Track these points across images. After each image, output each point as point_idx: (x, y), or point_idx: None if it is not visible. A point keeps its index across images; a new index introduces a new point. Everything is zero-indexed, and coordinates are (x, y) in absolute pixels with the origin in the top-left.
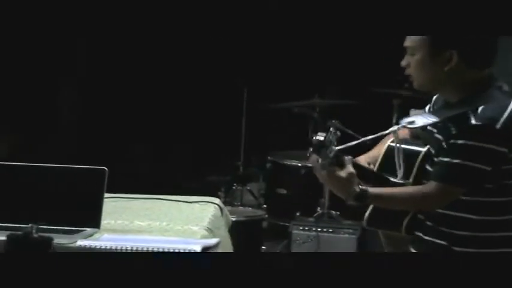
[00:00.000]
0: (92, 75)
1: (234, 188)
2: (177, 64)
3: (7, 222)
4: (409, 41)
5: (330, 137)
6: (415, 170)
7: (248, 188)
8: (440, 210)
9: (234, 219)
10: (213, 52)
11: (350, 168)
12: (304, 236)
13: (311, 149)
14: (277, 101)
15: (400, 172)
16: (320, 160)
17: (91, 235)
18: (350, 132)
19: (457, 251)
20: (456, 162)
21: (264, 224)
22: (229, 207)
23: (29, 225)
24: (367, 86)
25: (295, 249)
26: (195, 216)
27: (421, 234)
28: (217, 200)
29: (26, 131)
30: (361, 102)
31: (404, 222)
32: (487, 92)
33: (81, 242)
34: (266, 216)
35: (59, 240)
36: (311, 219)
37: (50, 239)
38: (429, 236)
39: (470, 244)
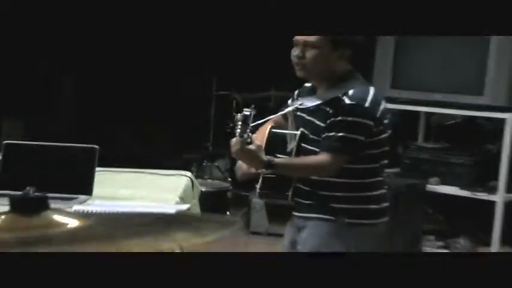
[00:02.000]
0: (86, 66)
1: (204, 164)
2: (160, 58)
3: (14, 191)
4: (312, 36)
5: (250, 116)
6: (294, 148)
7: (216, 164)
8: (316, 178)
9: (203, 189)
10: (189, 46)
11: (258, 142)
12: (260, 204)
13: (236, 123)
14: (241, 91)
15: (289, 146)
16: (240, 135)
17: (85, 201)
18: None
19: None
20: (340, 135)
21: (229, 194)
22: (200, 180)
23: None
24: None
25: (253, 215)
26: (170, 187)
27: (301, 200)
28: (189, 174)
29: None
30: None
31: (290, 192)
32: (350, 81)
33: (76, 207)
34: (230, 187)
35: (57, 205)
36: None
37: (46, 197)
38: (308, 200)
39: (343, 202)
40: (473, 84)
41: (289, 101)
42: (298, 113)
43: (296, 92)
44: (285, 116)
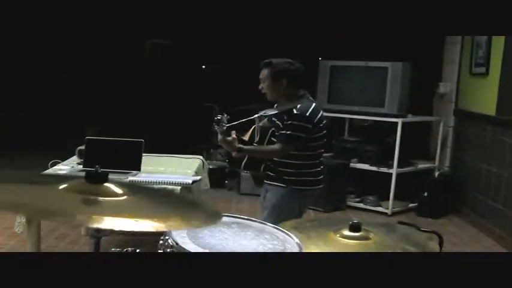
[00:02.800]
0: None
1: (211, 151)
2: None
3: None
4: (261, 74)
5: (223, 119)
6: (266, 139)
7: (218, 151)
8: (277, 159)
9: (211, 167)
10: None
11: (234, 135)
12: (247, 176)
13: (214, 123)
14: (232, 104)
15: (256, 138)
16: (218, 130)
17: (136, 174)
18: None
19: None
20: (289, 133)
21: (227, 170)
22: (208, 161)
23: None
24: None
25: (243, 182)
26: (188, 165)
27: (269, 173)
28: (201, 157)
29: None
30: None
31: (262, 167)
32: (301, 99)
33: (131, 178)
34: (227, 165)
35: (117, 177)
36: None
37: (106, 173)
38: (272, 173)
39: (291, 175)
40: (377, 100)
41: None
42: (273, 118)
43: (275, 105)
44: (260, 119)
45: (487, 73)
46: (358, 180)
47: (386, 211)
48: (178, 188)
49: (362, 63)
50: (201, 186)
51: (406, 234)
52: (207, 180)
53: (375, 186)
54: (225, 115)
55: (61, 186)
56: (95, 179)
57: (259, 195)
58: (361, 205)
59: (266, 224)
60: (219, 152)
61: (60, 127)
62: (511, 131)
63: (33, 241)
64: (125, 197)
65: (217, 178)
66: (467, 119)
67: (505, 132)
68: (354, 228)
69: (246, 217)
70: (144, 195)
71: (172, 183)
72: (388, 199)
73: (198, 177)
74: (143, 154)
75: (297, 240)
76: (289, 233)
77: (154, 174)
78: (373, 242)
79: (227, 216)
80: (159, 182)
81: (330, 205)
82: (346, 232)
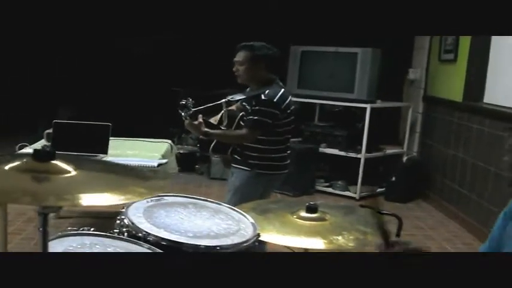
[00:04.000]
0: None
1: (183, 136)
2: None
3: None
4: (238, 57)
5: (188, 103)
6: (235, 124)
7: (190, 136)
8: (245, 144)
9: (182, 152)
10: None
11: (200, 120)
12: (217, 160)
13: (179, 108)
14: (204, 88)
15: (225, 123)
16: (183, 115)
17: (103, 158)
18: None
19: None
20: (256, 118)
21: (198, 154)
22: (179, 146)
23: (44, 145)
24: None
25: (213, 167)
26: (155, 149)
27: (236, 156)
28: (169, 141)
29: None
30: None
31: (229, 150)
32: (271, 85)
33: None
34: (198, 150)
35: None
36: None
37: (53, 151)
38: (238, 157)
39: (256, 159)
40: (347, 86)
41: (230, 96)
42: (243, 103)
43: (248, 89)
44: (229, 104)
45: (455, 60)
46: (327, 165)
47: (354, 195)
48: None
49: (332, 49)
50: (169, 170)
51: (365, 216)
52: (175, 164)
53: (344, 171)
54: (190, 99)
55: (8, 166)
56: (42, 156)
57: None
58: (330, 189)
59: (222, 205)
60: (190, 136)
61: (33, 110)
62: (477, 117)
63: (0, 225)
64: (73, 173)
65: (188, 162)
66: (436, 105)
67: (471, 118)
68: (311, 209)
69: (202, 198)
70: (93, 170)
71: (137, 166)
72: (357, 184)
73: (164, 161)
74: (113, 138)
75: (251, 220)
76: (244, 213)
77: (121, 157)
78: (329, 223)
79: (184, 197)
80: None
81: (298, 189)
82: (303, 213)
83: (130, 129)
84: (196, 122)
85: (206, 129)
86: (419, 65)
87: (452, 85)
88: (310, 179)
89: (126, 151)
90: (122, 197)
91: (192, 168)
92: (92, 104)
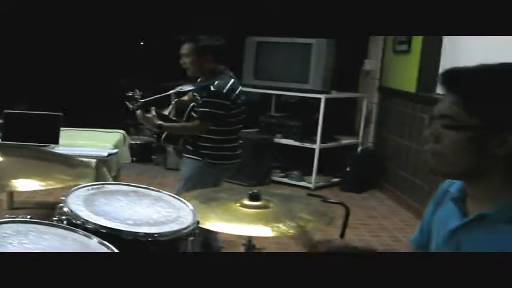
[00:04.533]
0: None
1: (139, 126)
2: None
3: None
4: (183, 49)
5: (135, 95)
6: (186, 115)
7: (146, 126)
8: (197, 134)
9: (138, 142)
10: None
11: (153, 112)
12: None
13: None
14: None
15: (173, 114)
16: (131, 107)
17: (53, 148)
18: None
19: None
20: (207, 110)
21: (154, 145)
22: (136, 136)
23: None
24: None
25: (169, 157)
26: (107, 139)
27: (188, 147)
28: (122, 131)
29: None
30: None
31: (181, 141)
32: (220, 75)
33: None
34: (155, 141)
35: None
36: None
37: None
38: (190, 147)
39: (207, 149)
40: (302, 76)
41: (179, 87)
42: (194, 94)
43: (198, 80)
44: (179, 95)
45: (409, 51)
46: (283, 156)
47: (309, 186)
48: (94, 160)
49: (288, 40)
50: (121, 160)
51: (311, 205)
52: (128, 155)
53: (299, 162)
54: (137, 91)
55: None
56: None
57: None
58: (285, 180)
59: (163, 193)
60: (147, 127)
61: None
62: (429, 107)
63: None
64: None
65: (144, 153)
66: (390, 95)
67: (424, 109)
68: (253, 197)
69: (144, 186)
70: (22, 157)
71: (87, 156)
72: (312, 174)
73: (115, 151)
74: (67, 128)
75: (191, 207)
76: (185, 201)
77: (72, 147)
78: (271, 211)
79: (126, 185)
80: (75, 155)
81: (254, 180)
82: (246, 201)
83: (87, 120)
84: (149, 115)
85: (159, 122)
86: (374, 56)
87: (406, 76)
88: (265, 169)
89: (78, 141)
90: (43, 183)
91: (149, 159)
92: (50, 96)
